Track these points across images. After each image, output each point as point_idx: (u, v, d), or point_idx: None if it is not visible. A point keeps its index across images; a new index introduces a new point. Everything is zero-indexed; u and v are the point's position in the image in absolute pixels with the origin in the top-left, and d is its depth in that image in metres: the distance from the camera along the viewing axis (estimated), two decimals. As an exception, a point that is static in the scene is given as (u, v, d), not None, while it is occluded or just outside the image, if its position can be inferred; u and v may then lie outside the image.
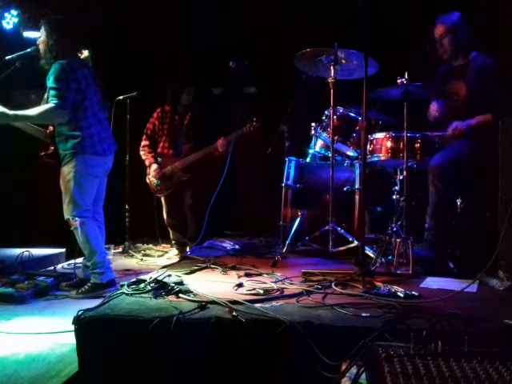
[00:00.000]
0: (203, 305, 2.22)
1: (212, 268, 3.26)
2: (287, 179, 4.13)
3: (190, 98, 4.86)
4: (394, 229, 3.35)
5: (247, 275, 3.01)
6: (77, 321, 2.08)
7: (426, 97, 3.68)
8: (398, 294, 2.49)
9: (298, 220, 3.85)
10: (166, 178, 4.78)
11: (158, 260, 4.80)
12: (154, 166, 4.82)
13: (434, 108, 3.71)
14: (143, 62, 5.44)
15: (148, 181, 4.88)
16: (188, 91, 4.85)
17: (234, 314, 2.08)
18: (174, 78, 4.94)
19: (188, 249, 4.68)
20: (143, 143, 4.97)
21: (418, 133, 3.51)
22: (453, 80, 3.59)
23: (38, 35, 3.42)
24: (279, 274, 3.00)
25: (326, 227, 3.56)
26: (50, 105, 3.17)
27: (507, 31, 3.76)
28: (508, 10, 3.71)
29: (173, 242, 5.04)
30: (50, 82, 3.21)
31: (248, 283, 2.73)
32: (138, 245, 5.41)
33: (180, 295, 2.41)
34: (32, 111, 3.19)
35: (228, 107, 5.02)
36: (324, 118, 4.10)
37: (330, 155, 3.69)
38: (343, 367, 1.55)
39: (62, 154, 3.34)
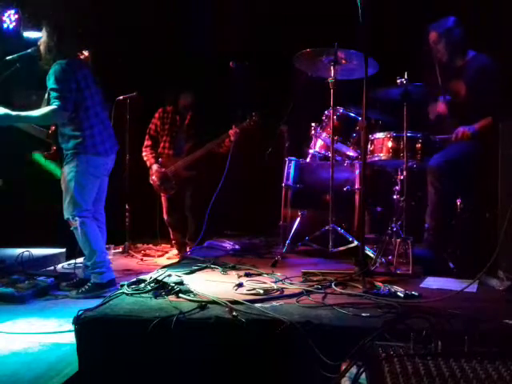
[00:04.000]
0: (203, 305, 2.22)
1: (212, 268, 3.26)
2: (287, 179, 4.13)
3: (190, 99, 4.88)
4: (394, 229, 3.35)
5: (247, 275, 3.01)
6: (77, 321, 2.08)
7: (427, 95, 3.67)
8: (398, 293, 2.49)
9: (298, 220, 3.85)
10: (170, 178, 4.79)
11: (157, 260, 4.80)
12: (155, 167, 4.83)
13: (441, 105, 3.67)
14: (143, 62, 5.44)
15: (152, 182, 4.88)
16: (188, 94, 4.86)
17: (234, 313, 2.08)
18: (175, 82, 4.95)
19: (188, 249, 4.68)
20: (146, 143, 4.98)
21: (419, 133, 3.51)
22: (452, 79, 3.60)
23: (39, 35, 3.42)
24: (279, 274, 3.00)
25: (326, 227, 3.56)
26: (53, 107, 3.17)
27: (507, 31, 3.77)
28: (507, 9, 3.72)
29: (173, 241, 5.05)
30: (51, 83, 3.21)
31: (248, 283, 2.73)
32: (138, 245, 5.41)
33: (180, 295, 2.41)
34: (34, 113, 3.20)
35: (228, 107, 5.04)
36: (324, 118, 4.10)
37: (330, 155, 3.69)
38: (343, 367, 1.55)
39: (64, 153, 3.35)
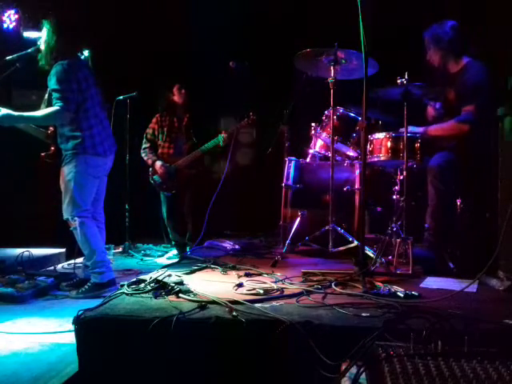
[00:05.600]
0: (203, 305, 2.22)
1: (212, 268, 3.26)
2: (287, 179, 4.13)
3: (181, 95, 4.85)
4: (394, 229, 3.35)
5: (247, 275, 3.01)
6: (77, 321, 2.08)
7: (424, 98, 3.69)
8: (398, 293, 2.48)
9: (298, 220, 3.85)
10: (172, 176, 4.79)
11: (158, 260, 4.80)
12: (159, 163, 4.81)
13: (430, 109, 3.77)
14: (143, 61, 5.44)
15: (152, 181, 4.88)
16: (176, 89, 4.84)
17: (234, 313, 2.08)
18: (174, 81, 4.94)
19: (188, 249, 4.68)
20: (144, 146, 4.99)
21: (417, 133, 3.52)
22: (447, 85, 3.60)
23: (39, 35, 3.42)
24: (279, 274, 3.00)
25: (326, 227, 3.56)
26: (56, 108, 3.17)
27: (507, 31, 3.76)
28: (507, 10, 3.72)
29: (173, 242, 5.05)
30: (52, 83, 3.21)
31: (248, 283, 2.73)
32: (138, 245, 5.42)
33: (180, 295, 2.41)
34: (37, 113, 3.20)
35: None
36: (324, 118, 4.10)
37: (330, 155, 3.69)
38: (343, 367, 1.55)
39: (63, 154, 3.35)
